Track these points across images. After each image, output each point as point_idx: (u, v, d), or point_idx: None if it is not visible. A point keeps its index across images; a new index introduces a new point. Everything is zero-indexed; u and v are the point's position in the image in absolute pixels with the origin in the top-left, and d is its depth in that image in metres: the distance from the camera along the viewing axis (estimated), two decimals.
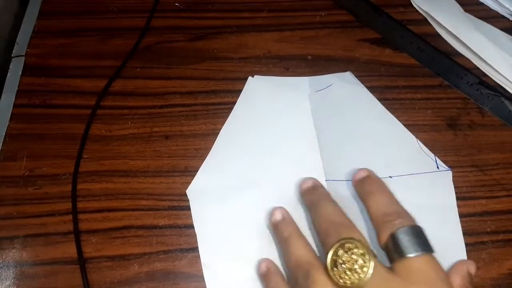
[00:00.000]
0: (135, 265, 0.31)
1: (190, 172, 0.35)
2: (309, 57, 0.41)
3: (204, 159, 0.35)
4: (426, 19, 0.44)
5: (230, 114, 0.37)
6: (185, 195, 0.34)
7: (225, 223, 0.33)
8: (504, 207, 0.34)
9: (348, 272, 0.24)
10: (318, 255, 0.28)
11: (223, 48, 0.41)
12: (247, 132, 0.37)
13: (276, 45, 0.42)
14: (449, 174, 0.35)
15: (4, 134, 0.36)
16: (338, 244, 0.25)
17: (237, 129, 0.37)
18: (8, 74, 0.39)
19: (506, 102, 0.38)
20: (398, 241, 0.25)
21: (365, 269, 0.24)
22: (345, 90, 0.39)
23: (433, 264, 0.25)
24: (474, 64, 0.41)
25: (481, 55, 0.40)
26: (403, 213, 0.27)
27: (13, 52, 0.40)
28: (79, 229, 0.32)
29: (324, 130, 0.37)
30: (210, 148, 0.36)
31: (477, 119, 0.38)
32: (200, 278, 0.31)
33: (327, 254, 0.25)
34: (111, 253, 0.32)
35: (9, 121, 0.37)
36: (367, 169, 0.31)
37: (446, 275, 0.25)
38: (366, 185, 0.30)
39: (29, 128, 0.36)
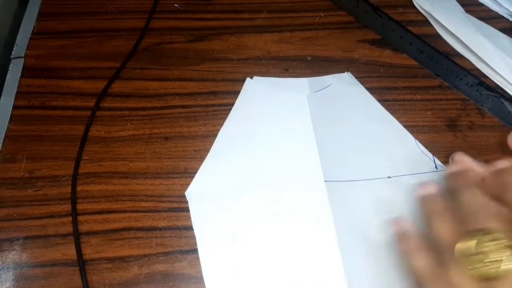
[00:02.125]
0: (134, 267, 0.31)
1: (189, 174, 0.35)
2: (309, 58, 0.41)
3: (204, 160, 0.35)
4: (426, 20, 0.44)
5: (228, 116, 0.37)
6: (185, 196, 0.34)
7: (224, 224, 0.33)
8: None
9: (488, 262, 0.24)
10: (460, 234, 0.27)
11: (222, 49, 0.41)
12: (245, 133, 0.37)
13: (275, 46, 0.42)
14: None
15: (3, 135, 0.36)
16: (484, 231, 0.25)
17: (235, 131, 0.37)
18: (8, 75, 0.39)
19: (506, 103, 0.38)
20: None
21: (506, 262, 0.23)
22: (343, 90, 0.39)
23: None
24: (474, 65, 0.41)
25: (481, 56, 0.40)
26: None
27: (13, 53, 0.40)
28: (79, 231, 0.32)
29: (322, 131, 0.37)
30: (210, 150, 0.36)
31: (476, 120, 0.38)
32: (200, 279, 0.31)
33: (469, 237, 0.25)
34: (110, 255, 0.32)
35: (9, 123, 0.37)
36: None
37: None
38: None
39: (28, 130, 0.36)
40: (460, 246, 0.25)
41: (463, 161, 0.31)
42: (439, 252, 0.27)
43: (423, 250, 0.28)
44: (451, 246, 0.26)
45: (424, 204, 0.31)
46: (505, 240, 0.24)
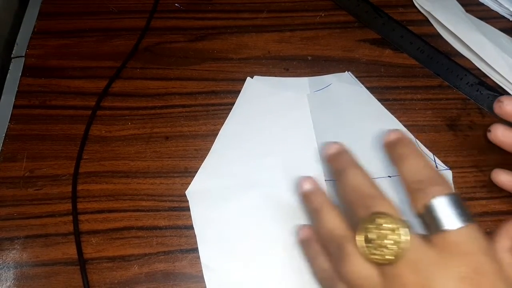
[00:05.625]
0: (135, 266, 0.31)
1: (190, 173, 0.35)
2: (309, 58, 0.41)
3: (204, 159, 0.35)
4: (426, 20, 0.44)
5: (229, 115, 0.37)
6: (185, 195, 0.34)
7: (224, 223, 0.33)
8: (504, 208, 0.34)
9: (381, 249, 0.23)
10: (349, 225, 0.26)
11: (223, 48, 0.41)
12: (246, 132, 0.37)
13: (276, 45, 0.42)
14: (448, 174, 0.35)
15: (4, 135, 0.36)
16: (368, 219, 0.24)
17: (236, 130, 0.37)
18: (8, 75, 0.39)
19: None
20: (433, 212, 0.23)
21: (398, 245, 0.23)
22: (344, 90, 0.39)
23: (473, 236, 0.23)
24: (474, 65, 0.41)
25: (481, 56, 0.40)
26: (438, 179, 0.25)
27: (13, 53, 0.40)
28: (79, 230, 0.32)
29: (323, 130, 0.37)
30: (210, 149, 0.36)
31: (477, 119, 0.38)
32: (201, 278, 0.31)
33: (358, 229, 0.24)
34: (111, 254, 0.32)
35: (9, 122, 0.37)
36: (399, 130, 0.28)
37: (487, 246, 0.23)
38: (397, 148, 0.27)
39: (29, 129, 0.36)
40: (357, 237, 0.24)
41: (340, 144, 0.30)
42: (334, 248, 0.25)
43: (324, 254, 0.27)
44: (344, 238, 0.25)
45: (308, 200, 0.29)
46: (394, 221, 0.23)
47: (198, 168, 0.35)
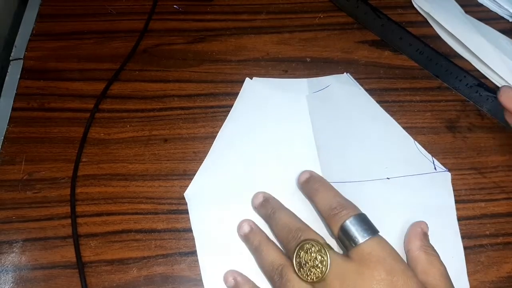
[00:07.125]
0: (134, 269, 0.31)
1: (189, 176, 0.35)
2: (308, 59, 0.41)
3: (203, 162, 0.35)
4: (425, 21, 0.43)
5: (228, 117, 0.37)
6: (184, 198, 0.34)
7: (223, 226, 0.33)
8: (503, 210, 0.34)
9: (312, 269, 0.27)
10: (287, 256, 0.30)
11: (221, 50, 0.41)
12: (245, 134, 0.37)
13: (274, 47, 0.42)
14: (447, 175, 0.35)
15: (2, 137, 0.36)
16: (298, 247, 0.28)
17: (234, 132, 0.37)
18: (7, 77, 0.39)
19: None
20: (347, 231, 0.28)
21: (324, 262, 0.27)
22: (342, 91, 0.39)
23: (381, 245, 0.28)
24: (473, 66, 0.41)
25: (480, 57, 0.40)
26: (347, 205, 0.29)
27: (12, 55, 0.40)
28: (78, 233, 0.32)
29: (322, 132, 0.37)
30: (209, 151, 0.36)
31: (476, 121, 0.38)
32: (199, 282, 0.31)
33: (292, 257, 0.28)
34: (110, 257, 0.32)
35: (8, 125, 0.37)
36: (309, 170, 0.33)
37: (393, 251, 0.28)
38: (310, 184, 0.32)
39: (27, 132, 0.36)
40: (293, 263, 0.28)
41: (264, 192, 0.33)
42: (277, 276, 0.28)
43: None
44: (283, 266, 0.28)
45: (248, 240, 0.32)
46: (318, 244, 0.28)
47: (196, 171, 0.35)
